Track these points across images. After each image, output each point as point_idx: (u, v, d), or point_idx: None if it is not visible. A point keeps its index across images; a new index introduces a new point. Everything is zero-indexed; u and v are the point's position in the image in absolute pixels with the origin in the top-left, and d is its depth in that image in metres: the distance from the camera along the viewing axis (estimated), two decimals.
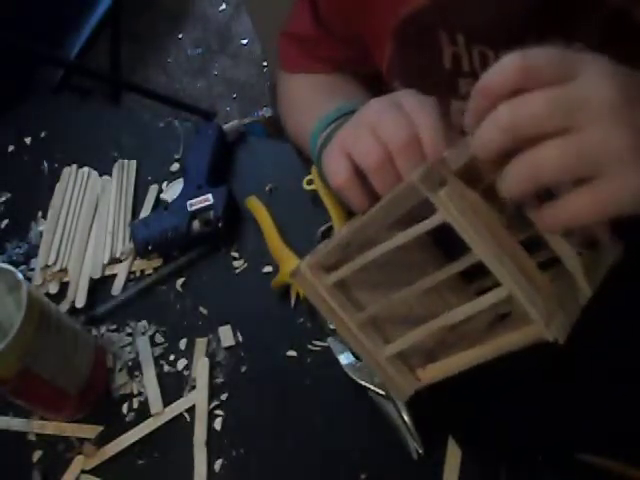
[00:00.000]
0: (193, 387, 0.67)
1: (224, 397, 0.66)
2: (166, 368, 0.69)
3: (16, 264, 0.78)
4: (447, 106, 0.62)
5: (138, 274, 0.76)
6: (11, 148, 0.92)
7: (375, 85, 0.73)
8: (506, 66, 0.36)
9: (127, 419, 0.66)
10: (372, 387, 0.60)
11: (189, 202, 0.75)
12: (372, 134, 0.46)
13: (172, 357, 0.69)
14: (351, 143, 0.48)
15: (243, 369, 0.67)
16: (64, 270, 0.77)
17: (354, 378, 0.61)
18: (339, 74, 0.74)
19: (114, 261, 0.77)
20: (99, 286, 0.76)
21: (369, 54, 0.68)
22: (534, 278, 0.40)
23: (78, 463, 0.65)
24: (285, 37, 0.77)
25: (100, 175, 0.85)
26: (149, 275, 0.75)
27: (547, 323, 0.40)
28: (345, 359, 0.62)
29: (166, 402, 0.66)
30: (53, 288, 0.76)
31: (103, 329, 0.73)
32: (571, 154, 0.35)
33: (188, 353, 0.69)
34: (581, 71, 0.36)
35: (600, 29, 0.51)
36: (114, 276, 0.76)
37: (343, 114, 0.60)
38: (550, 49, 0.36)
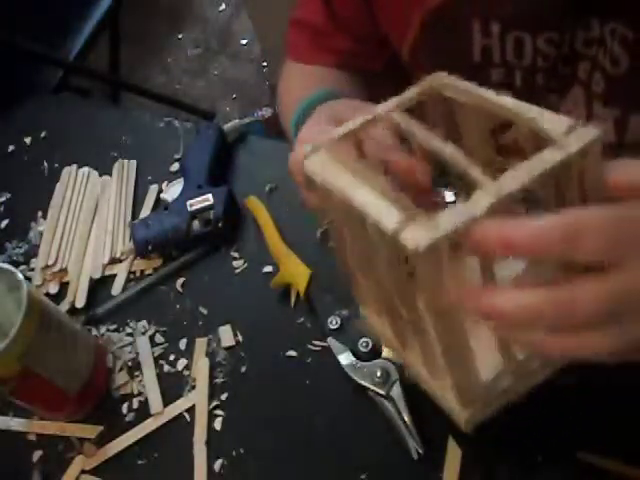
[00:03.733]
0: (193, 387, 0.67)
1: (224, 397, 0.66)
2: (166, 368, 0.69)
3: (16, 264, 0.78)
4: None
5: (138, 274, 0.76)
6: (11, 148, 0.92)
7: (379, 83, 0.72)
8: (553, 231, 0.31)
9: (127, 419, 0.66)
10: (372, 387, 0.60)
11: (189, 202, 0.75)
12: None
13: (172, 357, 0.69)
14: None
15: (243, 369, 0.67)
16: (64, 270, 0.77)
17: (354, 378, 0.61)
18: (338, 70, 0.73)
19: (114, 261, 0.77)
20: (99, 286, 0.76)
21: (382, 47, 0.67)
22: None
23: (78, 463, 0.65)
24: (296, 24, 0.76)
25: (100, 175, 0.85)
26: (149, 275, 0.75)
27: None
28: (345, 359, 0.62)
29: (166, 402, 0.66)
30: (53, 288, 0.76)
31: (103, 329, 0.73)
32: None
33: (188, 353, 0.69)
34: (629, 257, 0.32)
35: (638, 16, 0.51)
36: (114, 276, 0.76)
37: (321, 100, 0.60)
38: (607, 216, 0.32)
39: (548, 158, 0.34)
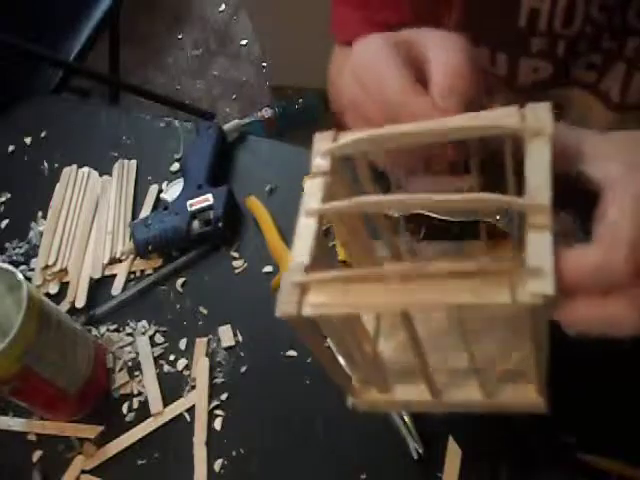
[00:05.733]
0: (193, 387, 0.67)
1: (224, 397, 0.66)
2: (166, 368, 0.69)
3: (16, 264, 0.78)
4: (515, 64, 0.60)
5: (138, 274, 0.76)
6: (11, 148, 0.92)
7: None
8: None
9: (127, 419, 0.66)
10: None
11: (189, 202, 0.75)
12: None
13: (172, 357, 0.69)
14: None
15: (243, 369, 0.67)
16: (64, 270, 0.77)
17: None
18: None
19: (114, 261, 0.77)
20: (99, 286, 0.76)
21: (429, 16, 0.65)
22: None
23: (78, 463, 0.65)
24: (340, 2, 0.72)
25: (100, 175, 0.85)
26: (149, 275, 0.75)
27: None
28: None
29: (166, 402, 0.66)
30: (53, 288, 0.76)
31: (103, 329, 0.73)
32: None
33: (188, 353, 0.69)
34: None
35: None
36: (114, 276, 0.76)
37: None
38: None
39: (539, 150, 0.36)
